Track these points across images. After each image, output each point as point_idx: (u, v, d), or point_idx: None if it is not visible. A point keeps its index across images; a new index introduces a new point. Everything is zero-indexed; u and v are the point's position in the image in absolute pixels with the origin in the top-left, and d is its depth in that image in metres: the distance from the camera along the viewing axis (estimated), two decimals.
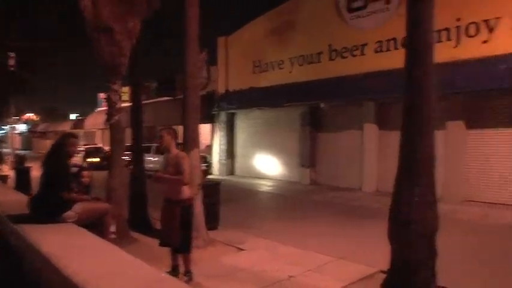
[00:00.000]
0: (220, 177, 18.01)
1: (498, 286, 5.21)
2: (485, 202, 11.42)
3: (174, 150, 5.48)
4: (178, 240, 5.32)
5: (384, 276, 4.76)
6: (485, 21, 11.29)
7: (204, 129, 20.00)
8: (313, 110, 16.43)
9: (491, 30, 11.20)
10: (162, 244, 5.54)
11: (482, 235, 8.61)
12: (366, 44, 14.23)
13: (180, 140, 6.79)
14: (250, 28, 18.94)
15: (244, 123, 19.96)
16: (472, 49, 11.39)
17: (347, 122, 15.28)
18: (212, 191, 8.43)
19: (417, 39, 4.38)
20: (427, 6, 4.40)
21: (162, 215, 5.53)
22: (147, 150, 16.90)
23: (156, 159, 16.70)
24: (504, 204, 10.99)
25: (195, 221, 6.44)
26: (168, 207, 5.39)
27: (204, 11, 7.83)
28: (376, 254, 4.86)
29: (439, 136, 11.58)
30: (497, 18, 11.07)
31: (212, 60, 20.36)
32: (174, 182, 5.31)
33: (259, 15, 18.44)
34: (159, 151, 15.10)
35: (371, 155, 14.16)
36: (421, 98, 4.22)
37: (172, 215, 5.30)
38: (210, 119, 20.14)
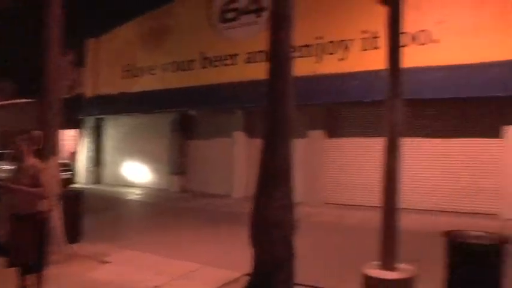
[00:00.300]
0: (86, 186, 16.94)
1: (347, 279, 5.75)
2: (342, 204, 12.56)
3: (31, 159, 4.99)
4: (31, 258, 4.82)
5: (248, 279, 4.95)
6: (342, 41, 12.57)
7: (69, 135, 18.68)
8: (184, 117, 16.43)
9: (346, 49, 12.50)
10: (12, 264, 4.95)
11: (338, 234, 9.47)
12: (237, 54, 14.71)
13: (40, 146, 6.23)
14: (121, 31, 18.24)
15: (113, 130, 19.09)
16: (331, 65, 12.56)
17: (218, 129, 15.59)
18: (74, 201, 7.87)
19: (278, 53, 4.67)
20: (287, 26, 4.72)
21: (11, 231, 4.96)
22: (0, 157, 15.17)
23: (11, 167, 15.04)
24: (358, 205, 12.21)
25: (53, 235, 5.96)
26: (18, 222, 4.86)
27: (73, 9, 7.34)
28: (243, 258, 5.03)
29: (301, 144, 12.65)
30: (351, 40, 12.42)
31: (81, 62, 19.18)
32: (31, 194, 4.83)
33: (131, 18, 17.84)
34: (15, 159, 13.65)
35: (240, 162, 14.63)
36: (280, 108, 4.51)
37: (24, 231, 4.79)
38: (76, 124, 18.83)
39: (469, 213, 10.79)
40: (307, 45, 13.06)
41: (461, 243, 4.79)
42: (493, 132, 11.02)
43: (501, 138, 10.91)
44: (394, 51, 4.83)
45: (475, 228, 5.25)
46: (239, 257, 6.62)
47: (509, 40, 10.49)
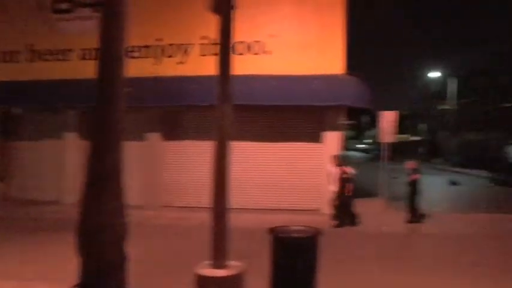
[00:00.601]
0: None
1: (181, 281, 5.82)
2: (181, 207, 12.61)
3: None
4: None
5: None
6: (181, 44, 12.72)
7: None
8: (6, 115, 14.54)
9: (185, 53, 12.68)
10: None
11: (176, 236, 9.53)
12: (71, 50, 13.67)
13: None
14: None
15: None
16: (170, 68, 12.61)
17: (47, 130, 14.15)
18: None
19: (109, 52, 4.47)
20: (120, 23, 4.54)
21: None
22: None
23: None
24: (197, 207, 12.35)
25: None
26: None
27: None
28: (74, 268, 4.68)
29: (138, 146, 12.40)
30: (191, 44, 12.66)
31: None
32: None
33: None
34: None
35: (72, 165, 13.52)
36: (110, 109, 4.32)
37: None
38: None
39: (296, 210, 11.91)
40: (146, 46, 12.87)
41: (283, 237, 5.28)
42: (315, 137, 12.43)
43: (321, 142, 12.36)
44: (225, 59, 5.07)
45: (299, 223, 5.84)
46: (69, 268, 6.17)
47: (327, 57, 12.06)
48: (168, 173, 13.02)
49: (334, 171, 10.94)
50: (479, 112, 40.97)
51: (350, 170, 10.98)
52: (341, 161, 11.19)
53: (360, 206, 11.86)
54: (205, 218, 11.12)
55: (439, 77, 40.31)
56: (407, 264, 7.75)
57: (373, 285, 6.64)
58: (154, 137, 12.99)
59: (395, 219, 11.50)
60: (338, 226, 10.65)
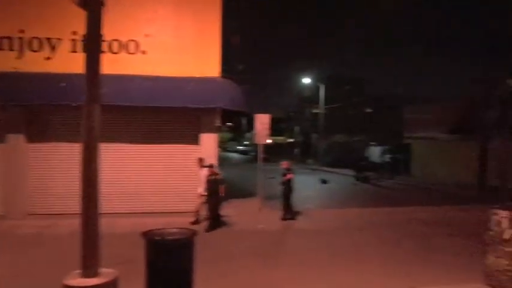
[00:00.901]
0: None
1: None
2: (49, 214, 11.58)
3: None
4: None
5: None
6: (48, 39, 11.73)
7: None
8: None
9: (53, 48, 11.74)
10: None
11: (42, 246, 8.83)
12: None
13: None
14: None
15: None
16: (36, 63, 11.50)
17: None
18: None
19: None
20: None
21: None
22: None
23: None
24: (67, 214, 11.42)
25: None
26: None
27: None
28: None
29: None
30: (59, 39, 11.74)
31: None
32: None
33: None
34: None
35: None
36: None
37: None
38: None
39: (173, 212, 11.72)
40: (7, 37, 11.61)
41: (157, 240, 5.22)
42: (191, 139, 12.46)
43: (197, 144, 12.43)
44: (93, 56, 4.86)
45: (175, 225, 5.80)
46: None
47: (203, 60, 12.24)
48: (34, 178, 11.85)
49: (203, 173, 11.10)
50: (345, 116, 44.93)
51: (218, 172, 11.19)
52: (204, 162, 11.35)
53: (238, 206, 12.22)
54: (76, 224, 10.52)
55: (310, 83, 43.11)
56: (282, 259, 8.19)
57: (250, 282, 6.89)
58: (17, 139, 11.68)
59: (271, 217, 12.05)
60: (212, 227, 10.73)
